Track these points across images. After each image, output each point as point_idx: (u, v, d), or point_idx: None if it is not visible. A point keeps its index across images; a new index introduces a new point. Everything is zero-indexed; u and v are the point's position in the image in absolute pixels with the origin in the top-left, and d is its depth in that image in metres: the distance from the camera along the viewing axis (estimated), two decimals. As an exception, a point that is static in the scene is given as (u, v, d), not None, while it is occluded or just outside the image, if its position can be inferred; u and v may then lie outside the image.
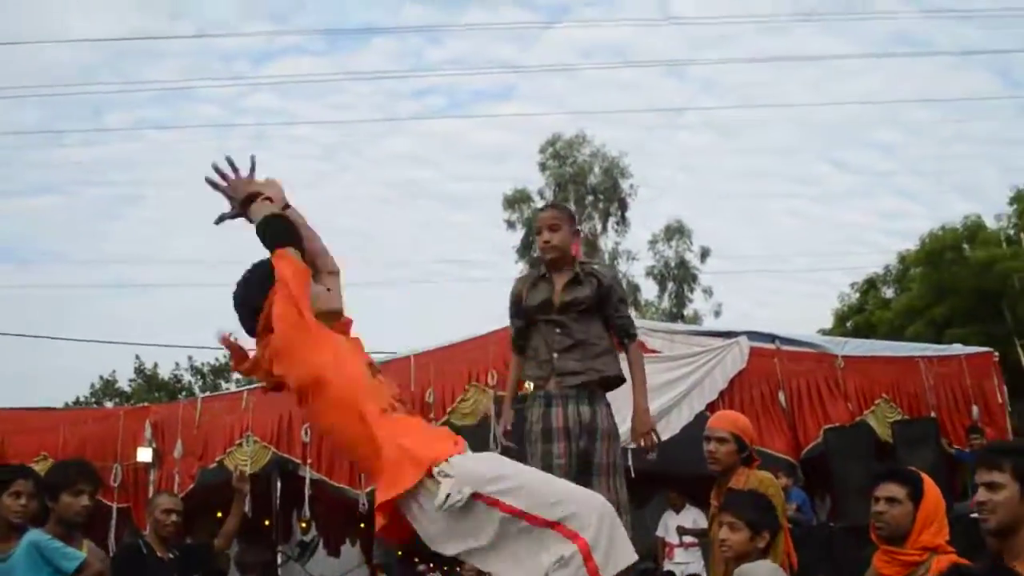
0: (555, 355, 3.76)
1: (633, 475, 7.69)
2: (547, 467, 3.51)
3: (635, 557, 2.20)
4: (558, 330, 3.80)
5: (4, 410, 8.14)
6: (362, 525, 10.90)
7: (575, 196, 23.54)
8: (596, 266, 4.07)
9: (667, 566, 7.74)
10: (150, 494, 7.45)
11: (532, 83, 45.32)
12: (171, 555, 4.49)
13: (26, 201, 43.63)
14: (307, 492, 7.34)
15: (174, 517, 4.53)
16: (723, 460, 3.73)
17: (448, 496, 2.16)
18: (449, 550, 2.24)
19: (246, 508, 7.14)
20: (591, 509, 2.16)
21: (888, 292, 20.33)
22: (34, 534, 3.53)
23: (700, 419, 7.19)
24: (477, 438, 7.31)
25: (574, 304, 3.81)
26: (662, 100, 36.38)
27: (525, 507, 2.15)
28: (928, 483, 3.04)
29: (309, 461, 7.32)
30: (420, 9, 42.62)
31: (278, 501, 7.89)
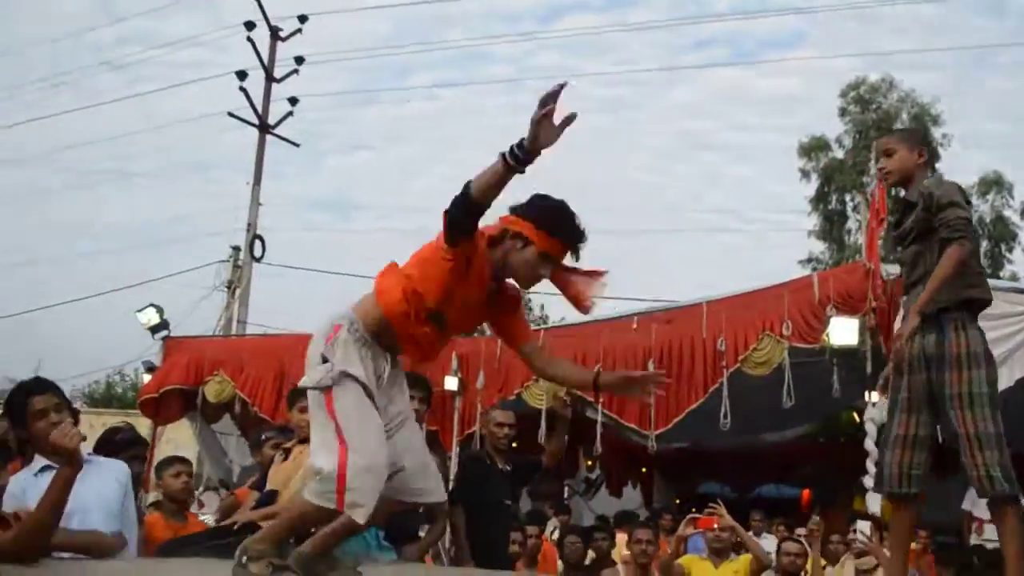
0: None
1: (940, 441, 7.26)
2: (891, 400, 3.61)
3: (365, 519, 2.68)
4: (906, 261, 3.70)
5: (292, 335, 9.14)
6: (643, 469, 11.17)
7: (878, 144, 21.92)
8: (927, 181, 3.67)
9: (974, 541, 7.20)
10: (454, 420, 8.11)
11: (824, 28, 42.60)
12: (508, 467, 4.79)
13: (343, 158, 48.22)
14: (598, 431, 7.58)
15: (506, 430, 4.80)
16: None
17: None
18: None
19: (542, 441, 7.62)
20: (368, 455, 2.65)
21: None
22: None
23: (1021, 386, 6.57)
24: (771, 389, 7.21)
25: (908, 232, 3.65)
26: (973, 39, 32.80)
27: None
28: None
29: (601, 400, 7.56)
30: (706, -45, 41.36)
31: (567, 438, 8.24)
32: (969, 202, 3.57)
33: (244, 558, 2.73)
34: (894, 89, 22.38)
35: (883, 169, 3.72)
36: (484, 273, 2.81)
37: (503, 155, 2.52)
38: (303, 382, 2.83)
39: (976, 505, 7.48)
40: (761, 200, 45.42)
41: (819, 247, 22.80)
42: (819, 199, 22.48)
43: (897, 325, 7.00)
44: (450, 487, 4.67)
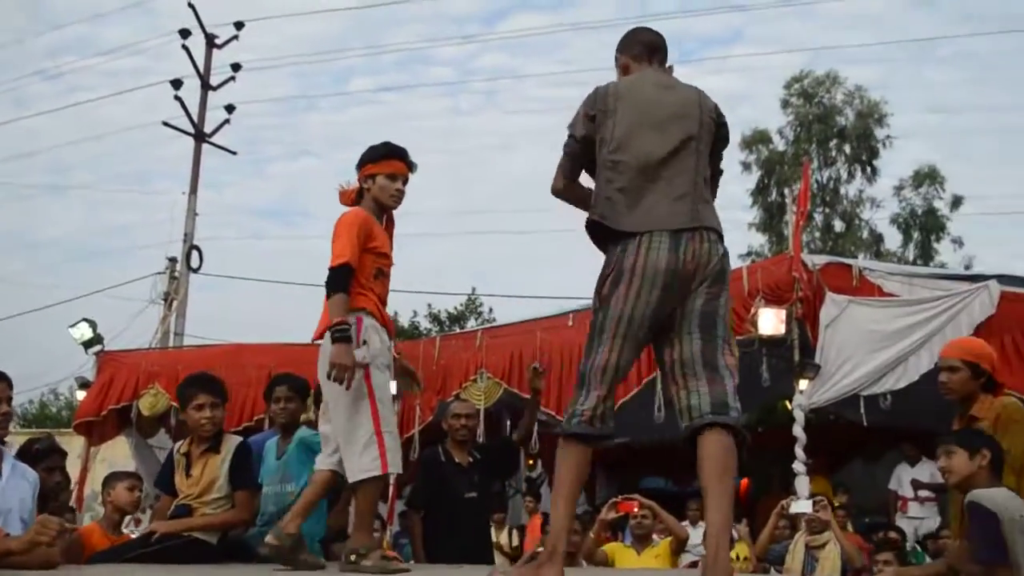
0: None
1: (865, 424, 7.51)
2: None
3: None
4: None
5: (273, 345, 9.12)
6: (587, 466, 11.26)
7: (819, 137, 22.39)
8: None
9: (899, 520, 7.44)
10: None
11: (762, 25, 43.45)
12: (470, 459, 4.74)
13: (285, 165, 47.74)
14: (535, 428, 7.65)
15: (463, 421, 4.76)
16: (957, 389, 3.55)
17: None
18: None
19: (480, 437, 7.66)
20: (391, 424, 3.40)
21: None
22: (303, 431, 4.06)
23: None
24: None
25: None
26: (911, 33, 33.75)
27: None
28: None
29: (538, 398, 7.63)
30: (643, -44, 41.88)
31: (518, 425, 8.29)
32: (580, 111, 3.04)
33: (354, 558, 3.20)
34: (838, 84, 22.75)
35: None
36: (375, 227, 3.54)
37: (338, 331, 3.28)
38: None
39: (902, 484, 7.75)
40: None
41: (759, 240, 23.14)
42: (759, 191, 22.81)
43: (823, 313, 7.30)
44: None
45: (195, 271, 15.33)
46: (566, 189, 3.10)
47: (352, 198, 3.64)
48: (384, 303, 3.57)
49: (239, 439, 3.95)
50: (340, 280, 3.34)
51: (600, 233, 2.93)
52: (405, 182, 3.65)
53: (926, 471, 7.55)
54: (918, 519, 7.36)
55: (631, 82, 3.05)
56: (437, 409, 7.85)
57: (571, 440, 2.85)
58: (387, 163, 3.61)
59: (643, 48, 3.16)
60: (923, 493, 7.48)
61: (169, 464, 3.97)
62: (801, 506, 5.21)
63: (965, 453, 3.12)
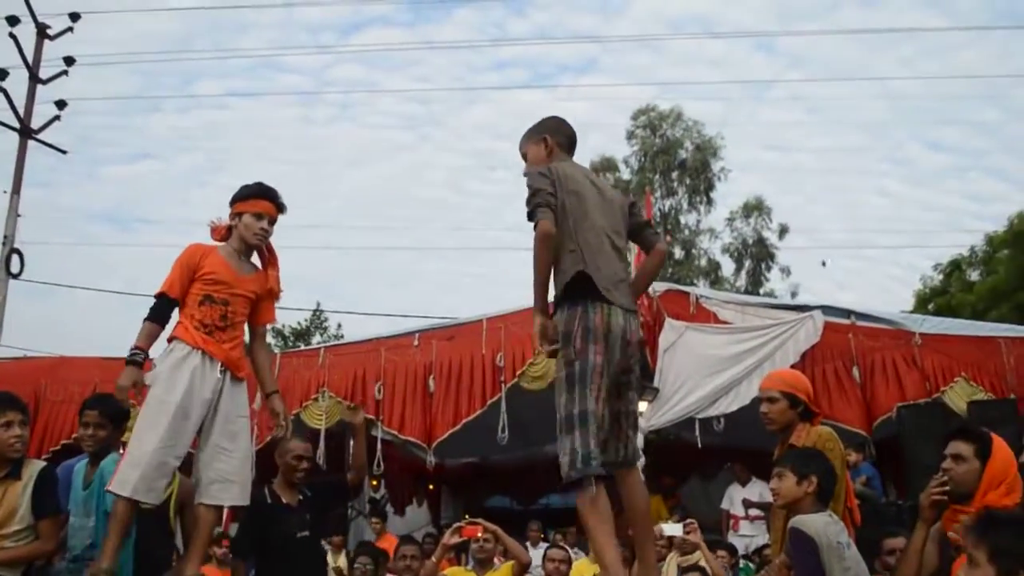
0: None
1: (700, 446, 7.79)
2: None
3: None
4: None
5: (98, 359, 8.56)
6: (431, 487, 11.19)
7: (662, 168, 23.37)
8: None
9: (731, 538, 7.73)
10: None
11: (615, 56, 44.95)
12: (300, 498, 4.41)
13: (124, 167, 45.37)
14: (379, 449, 7.52)
15: (305, 464, 4.42)
16: (777, 419, 3.67)
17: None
18: None
19: (320, 461, 7.44)
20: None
21: (973, 275, 19.68)
22: (109, 459, 3.74)
23: (770, 393, 7.16)
24: (547, 402, 7.41)
25: None
26: (750, 74, 35.74)
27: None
28: (998, 443, 3.01)
29: (381, 418, 7.51)
30: (502, -20, 42.51)
31: (350, 458, 8.12)
32: (545, 175, 3.31)
33: None
34: (681, 120, 23.94)
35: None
36: (209, 259, 3.74)
37: (130, 354, 3.55)
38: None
39: (733, 504, 8.07)
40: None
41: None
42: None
43: (662, 338, 7.53)
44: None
45: (15, 276, 14.23)
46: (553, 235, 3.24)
47: (223, 233, 3.86)
48: (215, 327, 3.70)
49: (42, 463, 3.54)
50: (152, 308, 3.67)
51: (578, 287, 3.22)
52: (272, 222, 3.85)
53: (755, 491, 7.89)
54: (748, 536, 7.66)
55: (571, 170, 3.42)
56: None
57: (598, 481, 3.07)
58: (255, 202, 3.82)
59: (567, 140, 3.59)
60: (753, 512, 7.80)
61: None
62: (673, 529, 5.40)
63: (794, 478, 3.25)
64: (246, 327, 3.89)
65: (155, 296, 3.67)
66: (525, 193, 3.30)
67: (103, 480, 3.61)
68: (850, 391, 7.33)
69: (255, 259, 3.94)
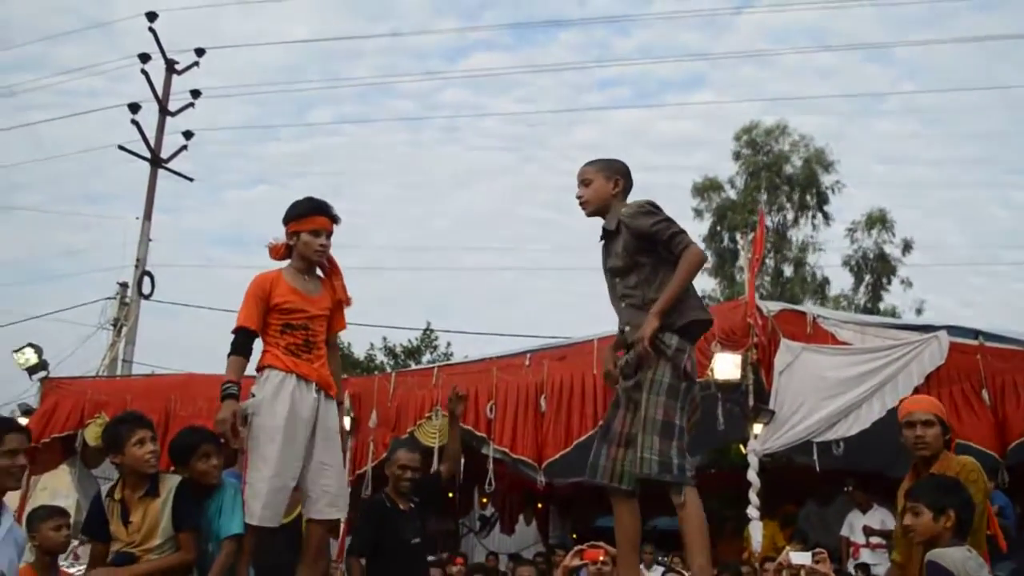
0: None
1: (818, 470, 7.57)
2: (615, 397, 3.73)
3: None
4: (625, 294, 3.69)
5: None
6: (539, 505, 11.21)
7: (768, 185, 22.89)
8: (624, 210, 3.65)
9: (850, 566, 7.48)
10: (346, 459, 8.00)
11: (723, 71, 44.40)
12: (411, 504, 4.66)
13: (243, 192, 47.35)
14: (490, 467, 7.60)
15: (410, 473, 4.62)
16: (932, 444, 3.57)
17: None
18: None
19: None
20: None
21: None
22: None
23: (891, 415, 6.89)
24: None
25: (620, 264, 3.64)
26: (862, 86, 34.68)
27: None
28: None
29: (493, 436, 7.59)
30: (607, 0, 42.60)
31: (462, 475, 8.23)
32: (661, 208, 3.59)
33: None
34: (787, 134, 23.35)
35: (580, 198, 3.74)
36: (279, 287, 3.79)
37: (224, 389, 3.62)
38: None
39: (853, 531, 7.80)
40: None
41: (711, 284, 23.52)
42: (711, 237, 23.20)
43: (778, 359, 7.36)
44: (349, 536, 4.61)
45: (147, 297, 15.04)
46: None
47: (281, 253, 3.93)
48: (301, 350, 3.79)
49: (178, 477, 3.69)
50: (234, 344, 3.73)
51: (694, 329, 3.53)
52: (329, 236, 3.90)
53: (877, 517, 7.62)
54: (870, 564, 7.40)
55: None
56: (391, 446, 7.75)
57: (693, 489, 3.36)
58: (309, 220, 3.86)
59: (629, 189, 3.77)
60: (874, 539, 7.53)
61: (98, 509, 3.65)
62: (802, 558, 5.27)
63: (930, 513, 3.13)
64: None
65: (233, 331, 3.74)
66: (643, 214, 3.56)
67: (221, 508, 3.75)
68: (980, 414, 6.97)
69: (319, 272, 4.01)
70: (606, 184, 3.70)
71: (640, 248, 3.54)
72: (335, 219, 3.92)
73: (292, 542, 4.07)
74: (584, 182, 3.74)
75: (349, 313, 4.09)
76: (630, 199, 3.73)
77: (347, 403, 5.69)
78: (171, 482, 3.65)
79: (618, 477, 3.47)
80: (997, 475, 6.88)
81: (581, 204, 3.75)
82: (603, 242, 3.77)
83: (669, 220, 3.52)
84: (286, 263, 3.92)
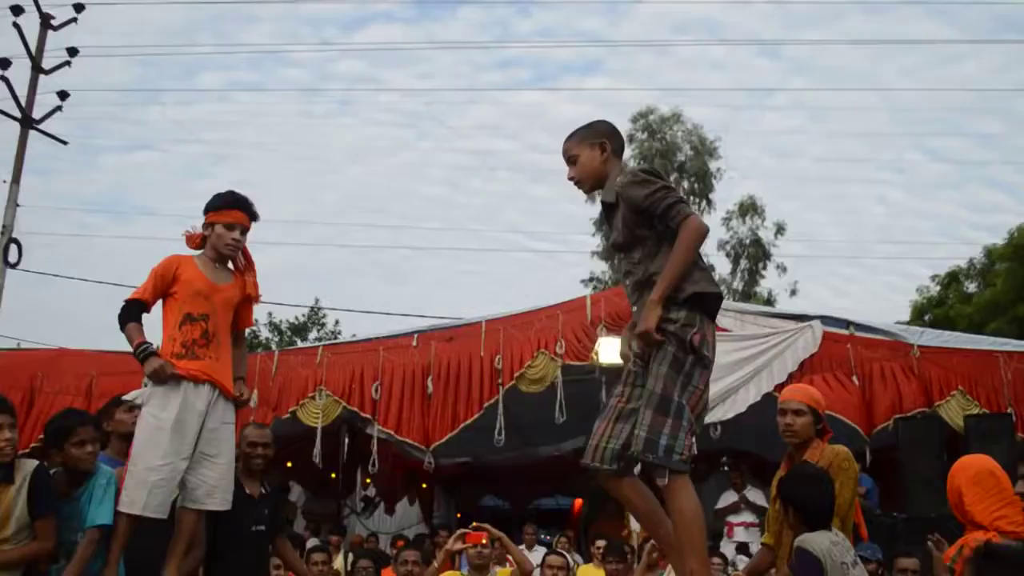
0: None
1: (695, 452, 7.75)
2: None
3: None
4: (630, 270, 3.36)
5: (96, 352, 8.52)
6: (424, 485, 11.16)
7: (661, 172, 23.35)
8: (619, 179, 3.31)
9: (724, 545, 7.74)
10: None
11: (620, 58, 44.90)
12: (262, 491, 4.27)
13: (122, 158, 45.29)
14: (374, 448, 7.51)
15: (260, 450, 4.24)
16: (801, 433, 3.62)
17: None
18: None
19: (316, 459, 7.42)
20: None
21: (971, 287, 19.70)
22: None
23: (767, 400, 7.16)
24: (544, 403, 7.43)
25: (622, 239, 3.33)
26: (753, 80, 35.72)
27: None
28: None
29: (377, 417, 7.50)
30: (506, -21, 42.48)
31: (345, 456, 8.11)
32: (660, 174, 3.30)
33: None
34: (680, 122, 23.80)
35: (572, 179, 3.45)
36: (186, 271, 3.78)
37: (143, 349, 3.63)
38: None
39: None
40: (555, 221, 47.14)
41: (601, 267, 23.88)
42: (603, 221, 23.50)
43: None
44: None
45: (12, 266, 14.18)
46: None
47: (197, 242, 3.92)
48: (198, 344, 3.73)
49: (35, 463, 3.41)
50: (124, 313, 3.71)
51: (704, 302, 3.13)
52: (244, 232, 3.90)
53: (750, 497, 7.89)
54: (744, 542, 7.66)
55: None
56: (271, 427, 7.57)
57: (683, 477, 2.99)
58: (227, 213, 3.87)
59: (620, 148, 3.46)
60: (748, 518, 7.82)
61: None
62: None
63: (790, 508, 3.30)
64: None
65: (126, 301, 3.71)
66: (636, 184, 3.19)
67: (91, 495, 3.55)
68: (852, 393, 7.33)
69: (231, 266, 3.97)
70: (592, 153, 3.37)
71: (639, 221, 3.20)
72: (254, 216, 3.92)
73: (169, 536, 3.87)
74: (570, 160, 3.42)
75: None
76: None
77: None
78: (27, 468, 3.40)
79: (599, 455, 3.14)
80: (864, 459, 7.25)
81: (576, 185, 3.46)
82: (605, 215, 3.44)
83: (665, 189, 3.18)
84: (199, 253, 3.91)
